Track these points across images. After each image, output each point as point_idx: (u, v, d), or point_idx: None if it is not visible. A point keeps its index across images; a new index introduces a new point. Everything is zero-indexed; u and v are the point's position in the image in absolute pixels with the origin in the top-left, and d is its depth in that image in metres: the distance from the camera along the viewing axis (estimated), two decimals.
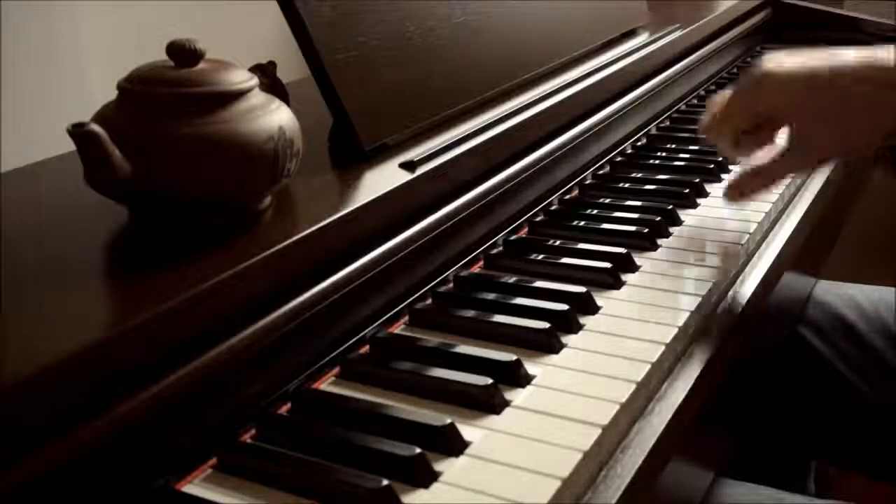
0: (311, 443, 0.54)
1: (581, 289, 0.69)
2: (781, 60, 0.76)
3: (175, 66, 0.59)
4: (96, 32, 1.06)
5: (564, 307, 0.67)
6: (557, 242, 0.79)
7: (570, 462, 0.51)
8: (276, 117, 0.60)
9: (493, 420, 0.56)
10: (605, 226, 0.82)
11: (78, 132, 0.53)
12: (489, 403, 0.57)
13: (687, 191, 0.88)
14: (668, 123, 1.14)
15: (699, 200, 0.88)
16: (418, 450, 0.51)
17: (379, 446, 0.52)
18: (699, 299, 0.69)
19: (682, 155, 1.01)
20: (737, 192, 0.80)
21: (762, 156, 0.79)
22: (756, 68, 0.76)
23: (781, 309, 0.93)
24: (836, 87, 0.74)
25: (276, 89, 0.70)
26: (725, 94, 0.81)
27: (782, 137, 0.79)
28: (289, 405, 0.59)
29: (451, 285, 0.73)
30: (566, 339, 0.65)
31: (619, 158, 1.00)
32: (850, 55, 0.75)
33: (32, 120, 0.96)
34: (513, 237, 0.81)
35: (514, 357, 0.60)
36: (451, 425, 0.54)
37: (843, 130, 0.75)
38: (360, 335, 0.64)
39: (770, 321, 0.89)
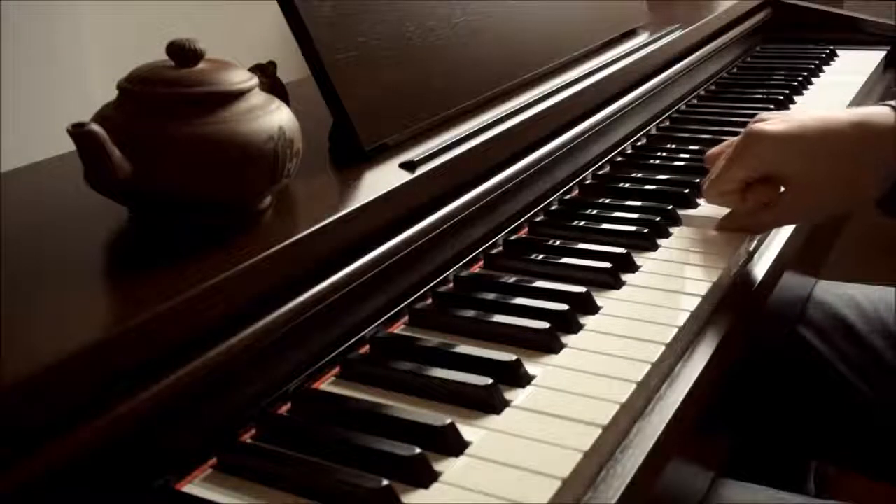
0: (311, 443, 0.54)
1: (581, 289, 0.69)
2: (776, 122, 0.77)
3: (175, 66, 0.59)
4: (96, 32, 1.06)
5: (564, 307, 0.67)
6: (557, 242, 0.79)
7: (570, 462, 0.51)
8: (276, 117, 0.60)
9: (493, 420, 0.56)
10: (605, 226, 0.82)
11: (78, 132, 0.53)
12: (489, 403, 0.57)
13: (687, 191, 0.88)
14: (668, 123, 1.14)
15: (699, 200, 0.88)
16: (418, 450, 0.51)
17: (379, 446, 0.52)
18: (699, 299, 0.69)
19: (682, 155, 1.01)
20: (726, 228, 0.81)
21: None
22: (751, 130, 0.77)
23: (781, 309, 0.93)
24: (829, 151, 0.76)
25: (276, 89, 0.70)
26: (722, 151, 0.82)
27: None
28: (289, 405, 0.59)
29: (451, 285, 0.73)
30: (566, 339, 0.64)
31: (619, 158, 1.00)
32: (842, 117, 0.76)
33: (32, 120, 0.96)
34: (513, 237, 0.81)
35: (514, 357, 0.60)
36: (451, 425, 0.54)
37: (835, 192, 0.77)
38: (360, 335, 0.64)
39: (770, 321, 0.89)
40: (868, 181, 0.76)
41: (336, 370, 0.62)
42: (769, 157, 0.76)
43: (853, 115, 0.76)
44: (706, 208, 0.86)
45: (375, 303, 0.67)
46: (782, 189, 0.79)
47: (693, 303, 0.69)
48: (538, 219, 0.85)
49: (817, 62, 1.38)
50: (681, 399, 0.61)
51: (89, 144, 0.54)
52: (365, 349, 0.64)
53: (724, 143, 0.85)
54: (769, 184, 0.78)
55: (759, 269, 0.80)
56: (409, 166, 0.71)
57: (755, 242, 0.82)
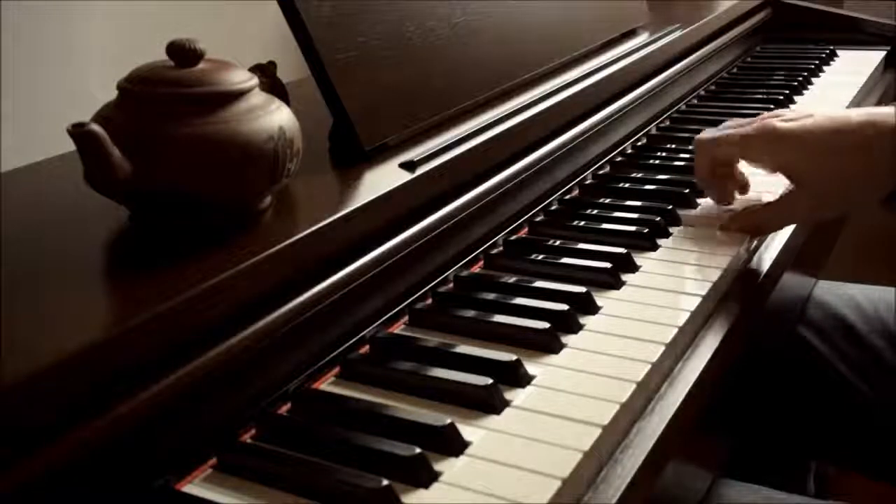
0: (311, 443, 0.54)
1: (581, 289, 0.69)
2: (787, 120, 0.77)
3: (175, 66, 0.59)
4: (96, 32, 1.06)
5: (564, 307, 0.67)
6: (557, 242, 0.79)
7: (570, 462, 0.51)
8: (276, 117, 0.60)
9: (493, 420, 0.56)
10: (605, 226, 0.82)
11: (78, 132, 0.53)
12: (489, 403, 0.57)
13: (687, 191, 0.88)
14: (668, 123, 1.14)
15: (699, 200, 0.88)
16: (418, 450, 0.51)
17: (379, 446, 0.52)
18: (699, 299, 0.69)
19: (682, 155, 1.01)
20: (730, 227, 0.81)
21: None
22: (765, 126, 0.77)
23: (781, 309, 0.93)
24: (837, 150, 0.76)
25: (276, 89, 0.70)
26: (716, 136, 0.82)
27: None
28: (289, 405, 0.59)
29: (451, 285, 0.73)
30: (566, 339, 0.64)
31: (619, 158, 1.00)
32: (851, 116, 0.77)
33: (32, 120, 0.96)
34: (513, 237, 0.81)
35: (514, 357, 0.60)
36: (451, 425, 0.54)
37: (842, 191, 0.78)
38: (360, 335, 0.64)
39: (770, 321, 0.89)
40: (875, 180, 0.76)
41: (336, 370, 0.62)
42: (778, 155, 0.77)
43: (862, 114, 0.77)
44: (706, 208, 0.86)
45: (375, 303, 0.67)
46: (783, 189, 0.79)
47: (693, 303, 0.69)
48: (538, 219, 0.85)
49: (817, 62, 1.38)
50: (681, 399, 0.61)
51: (89, 144, 0.54)
52: (365, 349, 0.64)
53: (743, 120, 0.84)
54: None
55: (760, 269, 0.80)
56: (409, 166, 0.71)
57: (755, 242, 0.82)
